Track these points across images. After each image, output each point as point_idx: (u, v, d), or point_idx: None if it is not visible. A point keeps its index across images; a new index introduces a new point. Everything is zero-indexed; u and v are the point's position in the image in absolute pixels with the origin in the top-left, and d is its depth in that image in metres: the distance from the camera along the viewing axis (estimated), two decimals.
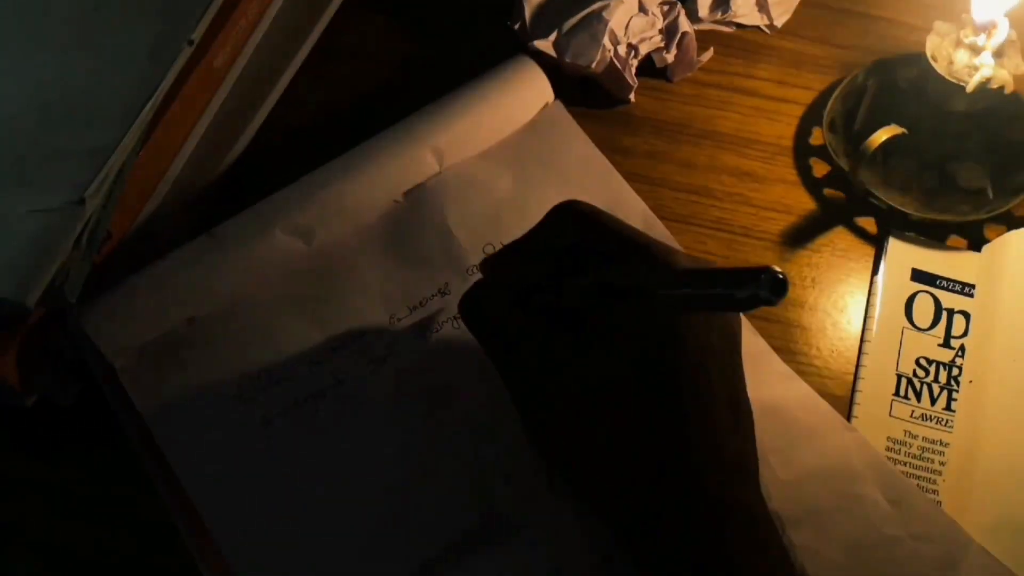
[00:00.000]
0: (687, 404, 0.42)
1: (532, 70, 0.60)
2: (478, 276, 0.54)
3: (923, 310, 0.56)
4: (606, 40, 0.60)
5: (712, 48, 0.65)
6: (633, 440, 0.42)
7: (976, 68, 0.54)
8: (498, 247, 0.55)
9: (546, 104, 0.60)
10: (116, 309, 0.52)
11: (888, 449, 0.52)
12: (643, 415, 0.42)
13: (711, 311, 0.43)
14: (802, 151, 0.62)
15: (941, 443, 0.52)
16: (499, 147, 0.59)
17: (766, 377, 0.52)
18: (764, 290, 0.36)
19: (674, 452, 0.42)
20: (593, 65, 0.60)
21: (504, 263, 0.49)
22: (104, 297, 0.52)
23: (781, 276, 0.36)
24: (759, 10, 0.66)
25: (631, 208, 0.58)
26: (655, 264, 0.44)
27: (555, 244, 0.47)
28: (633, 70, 0.62)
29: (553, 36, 0.61)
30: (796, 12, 0.66)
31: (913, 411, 0.53)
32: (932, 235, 0.58)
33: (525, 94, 0.60)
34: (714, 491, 0.41)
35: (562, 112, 0.60)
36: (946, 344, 0.55)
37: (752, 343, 0.53)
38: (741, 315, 0.46)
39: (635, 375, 0.42)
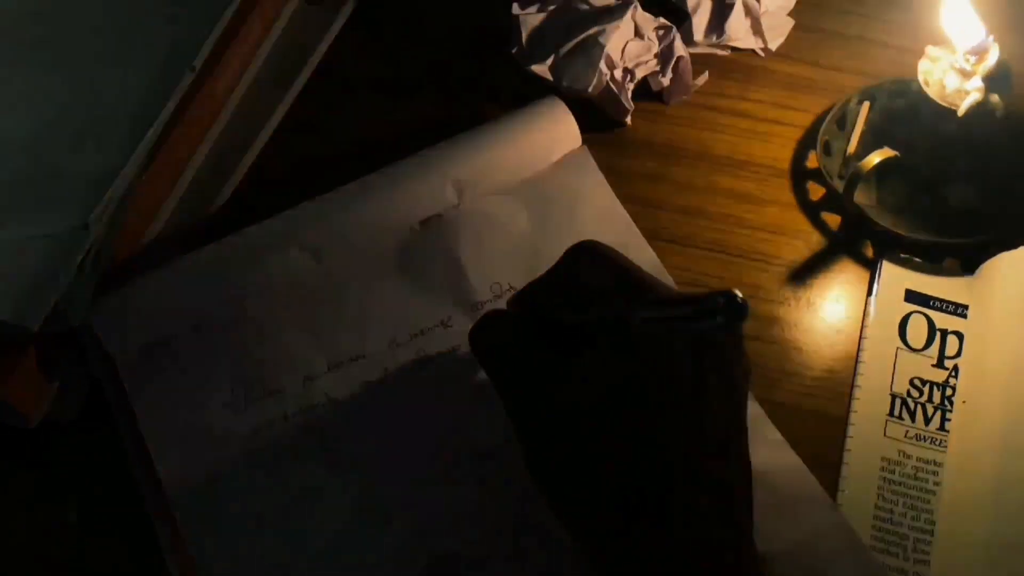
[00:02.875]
0: (666, 445, 0.42)
1: (562, 112, 0.60)
2: (482, 312, 0.55)
3: (917, 331, 0.56)
4: (602, 64, 0.61)
5: (707, 71, 0.65)
6: (613, 475, 0.43)
7: (967, 92, 0.55)
8: (505, 287, 0.56)
9: (572, 148, 0.61)
10: (124, 306, 0.53)
11: (882, 469, 0.52)
12: (623, 451, 0.42)
13: (682, 333, 0.43)
14: (797, 173, 0.62)
15: (935, 463, 0.53)
16: (520, 187, 0.59)
17: (757, 444, 0.50)
18: (721, 315, 0.37)
19: (650, 491, 0.42)
20: (590, 89, 0.61)
21: (523, 298, 0.50)
22: (113, 294, 0.53)
23: (740, 301, 0.37)
24: (754, 34, 0.67)
25: (643, 263, 0.57)
26: (634, 296, 0.44)
27: (569, 281, 0.48)
28: (629, 94, 0.62)
29: (550, 60, 0.62)
30: (790, 35, 0.67)
31: (907, 431, 0.54)
32: (925, 256, 0.58)
33: (552, 136, 0.60)
34: (691, 535, 0.41)
35: (587, 158, 0.61)
36: (940, 364, 0.55)
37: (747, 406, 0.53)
38: (747, 359, 0.46)
39: (620, 409, 0.43)
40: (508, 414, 0.47)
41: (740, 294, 0.37)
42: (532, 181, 0.59)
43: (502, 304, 0.55)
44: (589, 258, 0.47)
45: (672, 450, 0.42)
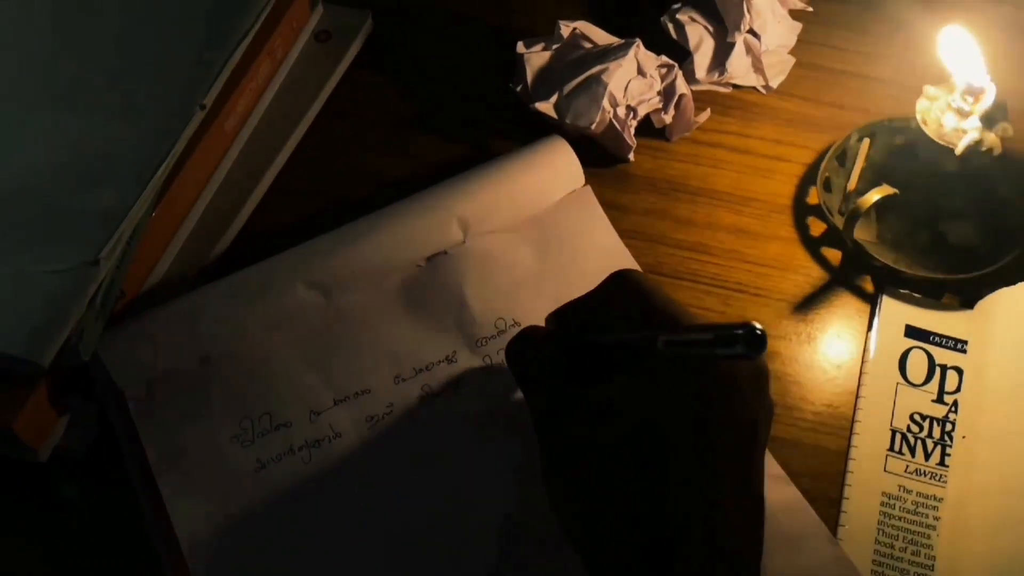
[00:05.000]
0: (679, 482, 0.42)
1: (565, 152, 0.61)
2: (485, 349, 0.56)
3: (917, 366, 0.57)
4: (605, 102, 0.62)
5: (709, 108, 0.66)
6: (622, 509, 0.43)
7: (965, 132, 0.56)
8: (510, 322, 0.57)
9: (575, 188, 0.62)
10: (134, 341, 0.54)
11: (883, 504, 0.53)
12: (635, 487, 0.43)
13: (704, 361, 0.43)
14: (798, 209, 0.63)
15: (935, 498, 0.53)
16: (525, 225, 0.60)
17: None
18: (741, 345, 0.37)
19: (657, 529, 0.42)
20: (593, 126, 0.62)
21: (561, 316, 0.51)
22: (123, 328, 0.54)
23: (759, 332, 0.37)
24: (755, 71, 0.68)
25: None
26: (659, 323, 0.45)
27: (603, 307, 0.48)
28: (632, 131, 0.63)
29: (554, 98, 0.63)
30: (791, 73, 0.68)
31: (907, 466, 0.54)
32: (925, 292, 0.59)
33: (556, 175, 0.61)
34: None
35: (590, 198, 0.62)
36: (939, 400, 0.56)
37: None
38: (772, 402, 0.46)
39: (637, 444, 0.43)
40: (535, 430, 0.47)
41: (760, 326, 0.38)
42: (536, 219, 0.60)
43: (505, 340, 0.56)
44: (625, 287, 0.48)
45: (687, 495, 0.42)
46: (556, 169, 0.61)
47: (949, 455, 0.54)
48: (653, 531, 0.42)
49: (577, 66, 0.63)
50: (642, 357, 0.44)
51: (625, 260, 0.60)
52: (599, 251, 0.60)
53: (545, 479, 0.47)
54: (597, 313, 0.49)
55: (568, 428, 0.45)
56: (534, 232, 0.60)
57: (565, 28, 0.66)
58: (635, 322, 0.46)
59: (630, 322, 0.46)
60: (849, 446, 0.55)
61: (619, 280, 0.49)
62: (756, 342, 0.38)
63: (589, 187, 0.62)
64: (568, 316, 0.50)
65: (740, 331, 0.38)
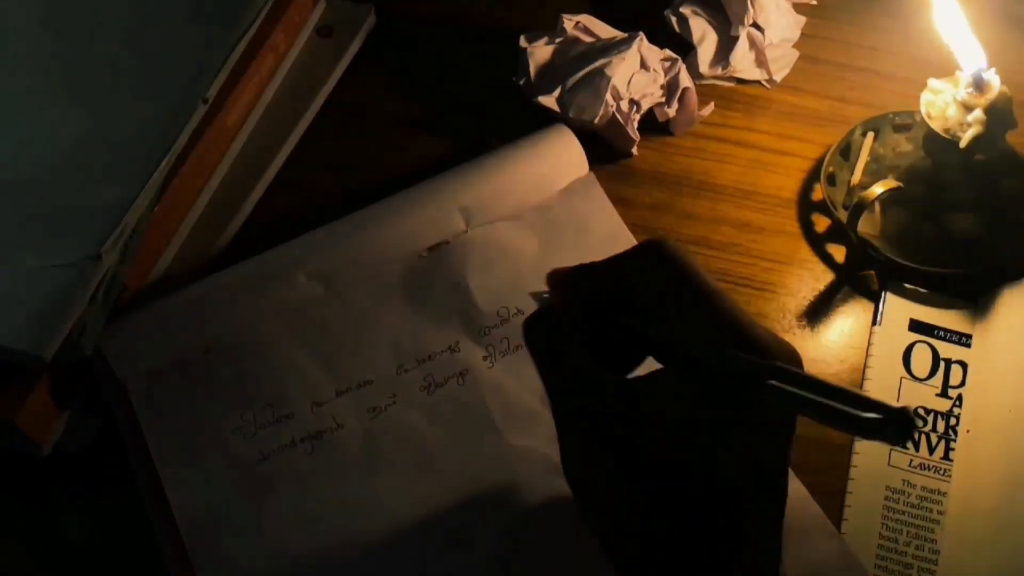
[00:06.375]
0: (705, 493, 0.40)
1: (568, 140, 0.61)
2: (488, 338, 0.56)
3: (921, 360, 0.57)
4: (609, 96, 0.61)
5: (713, 102, 0.66)
6: (639, 504, 0.42)
7: (969, 124, 0.56)
8: (513, 311, 0.57)
9: (579, 175, 0.61)
10: (135, 332, 0.54)
11: (887, 499, 0.53)
12: (657, 488, 0.41)
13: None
14: (803, 204, 0.63)
15: (939, 492, 0.53)
16: (528, 213, 0.60)
17: None
18: (888, 431, 0.32)
19: (675, 529, 0.41)
20: (596, 120, 0.62)
21: (573, 284, 0.45)
22: (125, 320, 0.54)
23: (912, 419, 0.32)
24: (758, 65, 0.67)
25: None
26: (700, 310, 0.40)
27: (631, 277, 0.43)
28: (635, 125, 0.63)
29: (557, 92, 0.63)
30: (795, 67, 0.68)
31: (911, 460, 0.54)
32: (929, 286, 0.59)
33: (559, 163, 0.61)
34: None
35: (594, 185, 0.61)
36: (944, 394, 0.56)
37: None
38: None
39: (663, 451, 0.40)
40: (552, 412, 0.44)
41: (913, 415, 0.32)
42: (539, 207, 0.60)
43: (509, 329, 0.56)
44: (657, 257, 0.42)
45: (714, 506, 0.41)
46: (559, 156, 0.61)
47: (953, 449, 0.54)
48: (669, 529, 0.42)
49: (580, 60, 0.63)
50: (689, 365, 0.39)
51: (629, 246, 0.59)
52: (604, 237, 0.60)
53: (563, 461, 0.44)
54: (626, 288, 0.43)
55: (591, 414, 0.42)
56: (537, 220, 0.60)
57: (568, 22, 0.66)
58: (669, 306, 0.41)
59: (664, 305, 0.41)
60: (853, 440, 0.54)
61: (650, 250, 0.42)
62: (906, 434, 0.32)
63: (592, 174, 0.61)
64: (582, 283, 0.45)
65: (890, 418, 0.32)
